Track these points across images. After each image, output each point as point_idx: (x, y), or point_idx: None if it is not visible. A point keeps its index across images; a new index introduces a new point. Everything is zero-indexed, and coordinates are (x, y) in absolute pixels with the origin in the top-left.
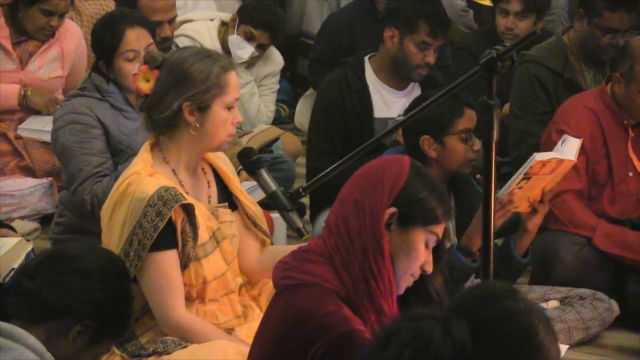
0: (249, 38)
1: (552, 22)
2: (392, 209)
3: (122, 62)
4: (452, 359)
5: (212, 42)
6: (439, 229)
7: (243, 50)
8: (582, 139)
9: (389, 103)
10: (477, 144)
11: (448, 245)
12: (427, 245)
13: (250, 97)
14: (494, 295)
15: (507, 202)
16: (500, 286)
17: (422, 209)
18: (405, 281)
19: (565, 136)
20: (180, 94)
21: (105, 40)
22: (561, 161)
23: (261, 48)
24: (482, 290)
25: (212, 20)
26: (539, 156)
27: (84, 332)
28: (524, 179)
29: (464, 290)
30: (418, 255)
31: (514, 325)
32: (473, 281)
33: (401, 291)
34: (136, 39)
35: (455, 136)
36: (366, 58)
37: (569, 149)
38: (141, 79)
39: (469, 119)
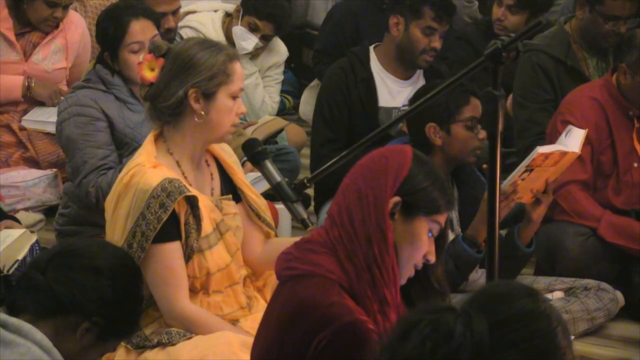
0: (253, 29)
1: (556, 13)
2: (396, 198)
3: (127, 54)
4: (471, 353)
5: (216, 33)
6: (442, 218)
7: (247, 41)
8: (586, 130)
9: (393, 93)
10: (482, 133)
11: (451, 236)
12: (430, 234)
13: (254, 88)
14: (513, 295)
15: (510, 193)
16: (520, 286)
17: (426, 198)
18: (408, 271)
19: (569, 127)
20: (185, 81)
21: (109, 32)
22: (565, 153)
23: (265, 39)
24: (502, 288)
25: (216, 11)
26: (542, 149)
27: (92, 329)
28: (526, 170)
29: (483, 287)
30: (421, 245)
31: (533, 326)
32: (477, 271)
33: (403, 281)
34: (141, 30)
35: (461, 124)
36: (371, 47)
37: (573, 140)
38: (146, 68)
39: (474, 107)
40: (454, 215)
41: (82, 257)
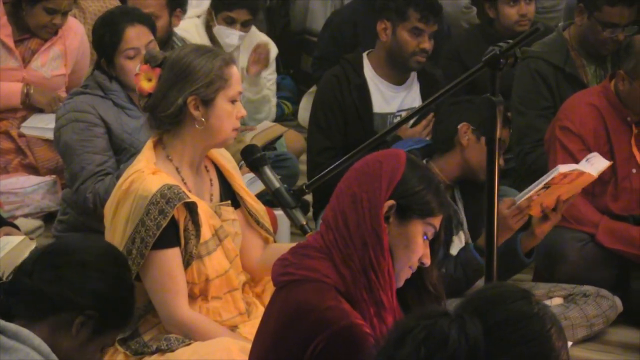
0: (230, 22)
1: (556, 20)
2: (391, 202)
3: (123, 60)
4: (466, 357)
5: (200, 39)
6: (437, 221)
7: (230, 37)
8: (611, 163)
9: (387, 98)
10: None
11: (461, 235)
12: (425, 237)
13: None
14: (507, 297)
15: (525, 208)
16: (514, 288)
17: (420, 201)
18: (404, 274)
19: (593, 154)
20: (184, 89)
21: (105, 38)
22: (582, 173)
23: (245, 26)
24: (496, 291)
25: (198, 17)
26: (563, 168)
27: (87, 323)
28: (543, 187)
29: (477, 290)
30: (416, 248)
31: (527, 328)
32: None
33: (400, 284)
34: (136, 36)
35: None
36: (364, 54)
37: (593, 165)
38: (143, 79)
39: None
40: (464, 225)
41: (66, 254)
